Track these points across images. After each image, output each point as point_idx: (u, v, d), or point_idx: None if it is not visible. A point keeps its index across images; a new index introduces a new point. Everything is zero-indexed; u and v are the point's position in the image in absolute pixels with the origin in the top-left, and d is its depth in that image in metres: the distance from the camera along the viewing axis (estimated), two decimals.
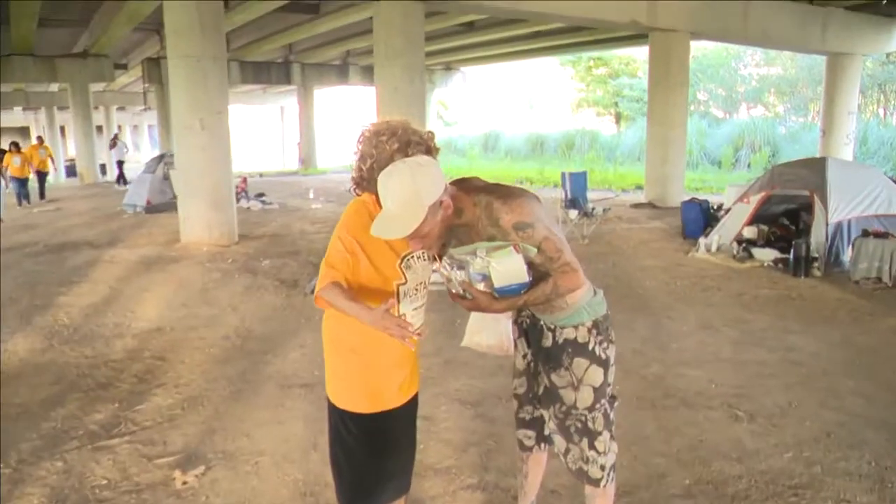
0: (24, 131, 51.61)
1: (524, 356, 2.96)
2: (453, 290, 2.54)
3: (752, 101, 35.34)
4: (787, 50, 22.47)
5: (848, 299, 7.64)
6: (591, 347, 2.74)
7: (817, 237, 8.85)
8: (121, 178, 23.52)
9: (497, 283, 2.46)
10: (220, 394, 5.17)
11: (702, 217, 11.21)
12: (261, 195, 17.41)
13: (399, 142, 2.43)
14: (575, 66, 41.05)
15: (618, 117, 39.92)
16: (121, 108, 47.20)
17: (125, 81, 33.65)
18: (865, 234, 8.39)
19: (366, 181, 2.47)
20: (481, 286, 2.47)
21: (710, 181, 21.25)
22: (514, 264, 2.44)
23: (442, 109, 43.91)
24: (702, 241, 10.19)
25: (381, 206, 2.43)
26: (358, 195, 2.59)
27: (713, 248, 9.95)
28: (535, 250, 2.47)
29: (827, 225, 8.78)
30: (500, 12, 15.18)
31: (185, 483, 3.87)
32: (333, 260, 2.50)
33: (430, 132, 2.54)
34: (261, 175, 27.03)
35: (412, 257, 2.61)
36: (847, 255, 8.67)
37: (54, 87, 31.96)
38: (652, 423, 4.53)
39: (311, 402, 4.84)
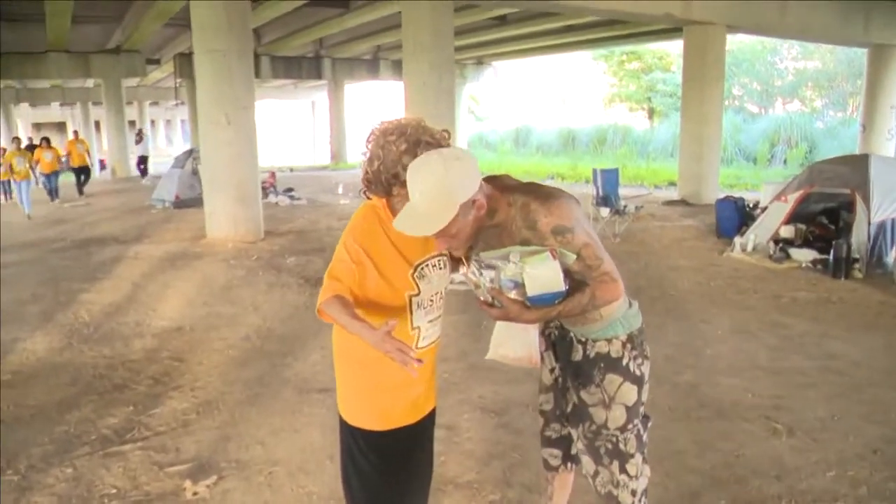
0: (60, 126, 52.33)
1: (551, 370, 2.79)
2: (481, 297, 2.33)
3: (787, 96, 34.65)
4: (827, 43, 21.93)
5: (891, 303, 7.31)
6: (625, 363, 2.55)
7: (859, 237, 8.52)
8: (145, 173, 23.86)
9: (530, 292, 2.26)
10: (237, 398, 5.04)
11: (737, 215, 10.88)
12: (289, 190, 17.33)
13: (408, 142, 2.22)
14: (608, 61, 40.50)
15: (651, 112, 39.37)
16: (154, 103, 47.56)
17: (158, 77, 33.80)
18: None
19: (373, 184, 2.27)
20: (513, 294, 2.27)
21: (745, 178, 20.81)
22: (550, 271, 2.23)
23: (473, 104, 43.58)
24: (737, 240, 9.88)
25: (391, 211, 2.26)
26: (368, 198, 2.41)
27: (749, 248, 9.65)
28: (574, 257, 2.27)
29: (869, 224, 8.45)
30: (533, 6, 14.93)
31: (195, 494, 3.73)
32: (337, 271, 2.31)
33: (444, 131, 2.32)
34: (291, 170, 27.07)
35: (426, 266, 2.42)
36: (890, 257, 8.33)
37: (89, 82, 32.18)
38: (685, 435, 4.31)
39: (329, 409, 4.66)
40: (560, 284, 2.25)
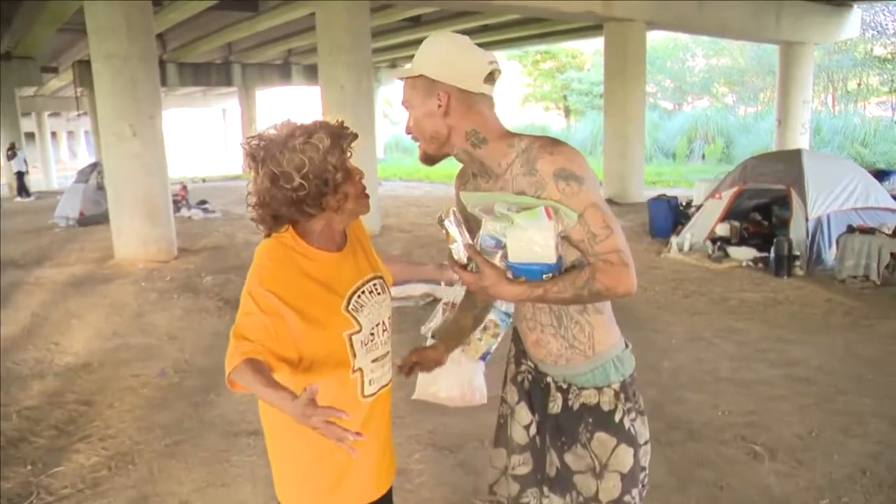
0: None
1: (527, 426, 2.17)
2: (455, 256, 1.85)
3: (700, 93, 35.25)
4: (742, 39, 22.24)
5: (838, 301, 7.16)
6: (618, 419, 2.00)
7: (797, 234, 8.39)
8: (22, 190, 22.10)
9: (511, 257, 1.77)
10: (155, 448, 4.40)
11: (671, 214, 10.70)
12: (203, 202, 16.47)
13: (330, 136, 1.86)
14: (522, 61, 40.55)
15: (567, 111, 39.63)
16: (54, 114, 45.42)
17: (57, 85, 32.26)
18: (851, 230, 7.94)
19: (292, 205, 1.85)
20: (496, 257, 1.80)
21: (666, 174, 20.96)
22: (540, 234, 1.73)
23: (388, 108, 43.12)
24: (673, 240, 9.68)
25: (305, 237, 1.93)
26: (267, 234, 1.94)
27: (685, 248, 9.45)
28: (575, 218, 1.77)
29: (807, 220, 8.32)
30: (454, 6, 14.53)
31: None
32: (244, 328, 1.80)
33: (340, 120, 1.95)
34: (203, 180, 26.07)
35: (361, 294, 1.96)
36: (830, 253, 8.21)
37: None
38: (660, 465, 3.88)
39: (261, 455, 4.08)
40: (551, 253, 1.74)
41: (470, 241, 1.82)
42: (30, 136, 35.25)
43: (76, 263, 10.29)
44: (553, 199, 1.78)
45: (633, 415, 2.04)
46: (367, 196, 1.97)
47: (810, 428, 4.31)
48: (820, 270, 8.22)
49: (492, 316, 2.23)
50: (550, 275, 1.77)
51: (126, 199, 10.09)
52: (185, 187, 17.01)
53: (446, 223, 1.84)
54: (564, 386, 2.03)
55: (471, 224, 1.91)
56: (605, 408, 2.00)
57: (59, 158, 48.24)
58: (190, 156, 40.39)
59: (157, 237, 10.22)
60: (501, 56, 39.74)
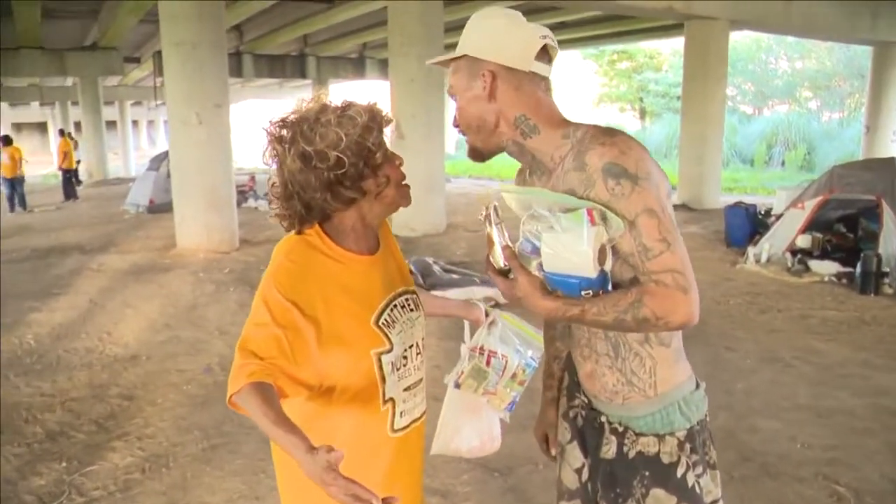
0: (41, 126, 51.22)
1: (578, 470, 1.86)
2: (491, 259, 1.56)
3: (782, 97, 34.04)
4: (832, 40, 21.17)
5: None
6: (679, 474, 1.66)
7: (887, 248, 7.79)
8: (70, 194, 19.28)
9: (547, 266, 1.45)
10: (191, 451, 4.22)
11: (748, 223, 10.11)
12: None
13: (368, 111, 1.61)
14: (598, 61, 39.78)
15: (642, 112, 38.75)
16: (136, 103, 46.49)
17: (139, 76, 32.82)
18: None
19: (326, 189, 1.59)
20: (533, 262, 1.50)
21: (743, 180, 20.20)
22: (580, 241, 1.39)
23: None
24: (750, 250, 9.13)
25: (336, 234, 1.68)
26: (297, 232, 1.66)
27: (763, 259, 8.91)
28: (622, 226, 1.44)
29: None
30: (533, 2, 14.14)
31: None
32: (254, 342, 1.50)
33: (373, 102, 1.70)
34: (270, 181, 26.20)
35: (393, 307, 1.68)
36: None
37: (69, 81, 31.17)
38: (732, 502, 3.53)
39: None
40: (589, 265, 1.41)
41: (508, 244, 1.53)
42: (111, 124, 36.09)
43: (139, 251, 10.33)
44: (601, 201, 1.45)
45: (699, 469, 1.69)
46: (407, 185, 1.70)
47: None
48: None
49: (517, 360, 1.92)
50: (590, 291, 1.44)
51: (189, 187, 10.07)
52: (253, 178, 17.05)
53: (487, 223, 1.57)
54: (620, 428, 1.71)
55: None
56: (666, 460, 1.66)
57: (139, 146, 49.43)
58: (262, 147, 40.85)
59: (219, 227, 10.17)
60: (577, 55, 39.21)
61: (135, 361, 5.79)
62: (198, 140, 9.84)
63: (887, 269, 7.66)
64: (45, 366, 5.71)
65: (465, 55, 1.65)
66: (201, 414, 4.75)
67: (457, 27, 13.08)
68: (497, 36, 1.63)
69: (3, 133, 18.68)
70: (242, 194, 14.71)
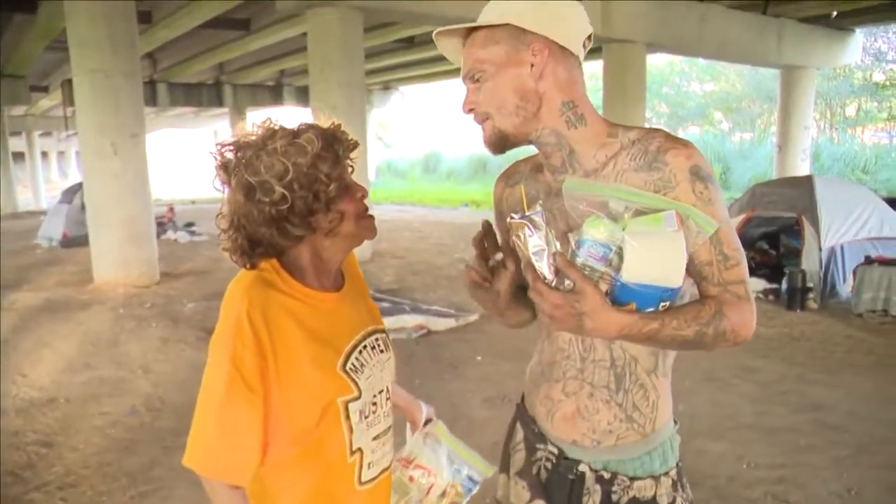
0: None
1: None
2: (537, 265, 1.25)
3: (696, 118, 35.08)
4: (743, 63, 21.88)
5: (859, 337, 6.74)
6: None
7: (810, 264, 7.98)
8: None
9: (629, 275, 1.23)
10: (119, 500, 3.94)
11: None
12: (190, 225, 16.04)
13: (322, 137, 1.42)
14: None
15: None
16: (46, 134, 45.04)
17: (48, 105, 31.81)
18: (869, 261, 7.54)
19: (274, 223, 1.41)
20: (599, 267, 1.24)
21: None
22: (668, 246, 1.23)
23: (381, 130, 42.85)
24: None
25: (295, 268, 1.50)
26: (248, 266, 1.48)
27: None
28: (712, 229, 1.30)
29: (820, 251, 7.91)
30: (445, 22, 14.15)
31: None
32: (231, 421, 1.37)
33: (336, 123, 1.51)
34: (192, 202, 25.67)
35: (361, 349, 1.52)
36: (846, 285, 7.81)
37: None
38: None
39: None
40: (679, 274, 1.25)
41: (561, 250, 1.26)
42: (19, 155, 34.89)
43: (54, 287, 9.85)
44: (686, 204, 1.31)
45: None
46: (370, 217, 1.53)
47: (848, 485, 3.86)
48: (835, 303, 7.81)
49: (450, 478, 1.77)
50: (667, 303, 1.29)
51: (106, 220, 9.64)
52: (172, 209, 16.63)
53: (529, 222, 1.26)
54: (607, 475, 1.54)
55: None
56: (663, 502, 1.55)
57: (49, 178, 47.81)
58: (180, 177, 40.06)
59: (139, 260, 9.76)
60: None
61: (53, 405, 5.43)
62: (113, 171, 9.45)
63: (811, 285, 7.83)
64: None
65: (507, 24, 1.42)
66: (128, 459, 4.45)
67: (376, 53, 13.10)
68: (552, 7, 1.43)
69: None
70: (161, 226, 14.27)
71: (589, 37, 1.48)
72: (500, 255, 1.45)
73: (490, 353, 6.26)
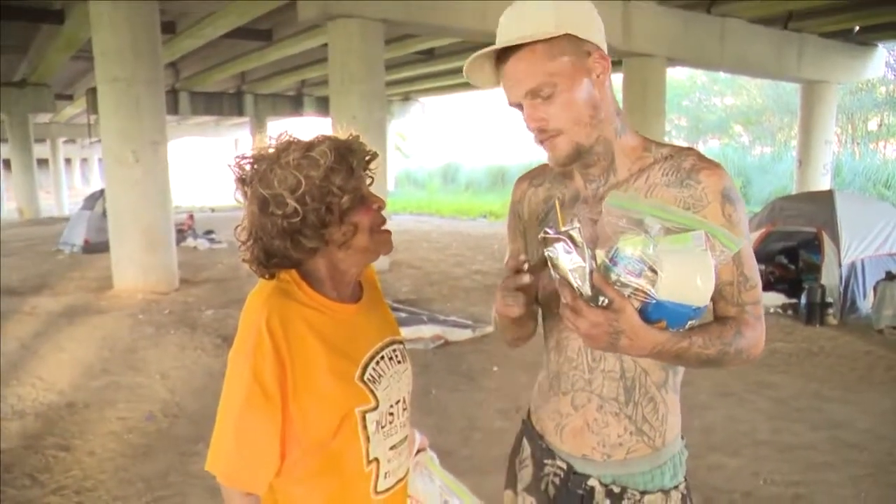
0: None
1: None
2: (575, 283, 1.23)
3: (715, 132, 34.93)
4: (763, 77, 21.80)
5: (879, 353, 6.66)
6: None
7: (829, 279, 7.92)
8: None
9: (664, 293, 1.21)
10: None
11: None
12: (209, 232, 16.16)
13: (335, 150, 1.42)
14: None
15: None
16: (70, 141, 45.50)
17: (72, 113, 32.19)
18: (890, 276, 7.45)
19: (287, 236, 1.42)
20: (633, 284, 1.22)
21: None
22: (698, 266, 1.21)
23: (400, 141, 42.96)
24: None
25: (313, 279, 1.51)
26: (266, 276, 1.50)
27: None
28: (736, 249, 1.27)
29: (840, 266, 7.85)
30: (465, 35, 14.20)
31: None
32: (251, 434, 1.41)
33: (353, 134, 1.52)
34: (212, 210, 25.84)
35: (379, 360, 1.53)
36: (866, 300, 7.74)
37: None
38: None
39: None
40: (708, 293, 1.23)
41: (599, 267, 1.24)
42: (43, 161, 35.23)
43: (74, 292, 9.94)
44: (716, 225, 1.29)
45: None
46: (386, 231, 1.54)
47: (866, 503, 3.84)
48: (854, 319, 7.74)
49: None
50: (694, 322, 1.30)
51: (126, 226, 9.74)
52: (191, 216, 16.74)
53: (567, 238, 1.22)
54: (617, 489, 1.54)
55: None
56: None
57: (73, 185, 48.39)
58: (201, 185, 40.34)
59: (158, 267, 9.85)
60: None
61: (71, 409, 5.48)
62: (134, 179, 9.55)
63: (831, 300, 7.77)
64: None
65: (566, 34, 1.37)
66: (144, 464, 4.48)
67: (396, 64, 13.15)
68: (593, 15, 1.41)
69: None
70: (181, 233, 14.37)
71: None
72: (522, 258, 1.40)
73: (507, 364, 6.26)
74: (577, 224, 1.23)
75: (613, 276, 1.22)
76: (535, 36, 1.37)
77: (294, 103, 29.95)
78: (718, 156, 26.51)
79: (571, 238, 1.21)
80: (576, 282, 1.22)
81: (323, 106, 27.24)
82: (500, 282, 1.38)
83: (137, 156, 9.46)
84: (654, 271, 1.21)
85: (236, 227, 1.50)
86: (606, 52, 1.45)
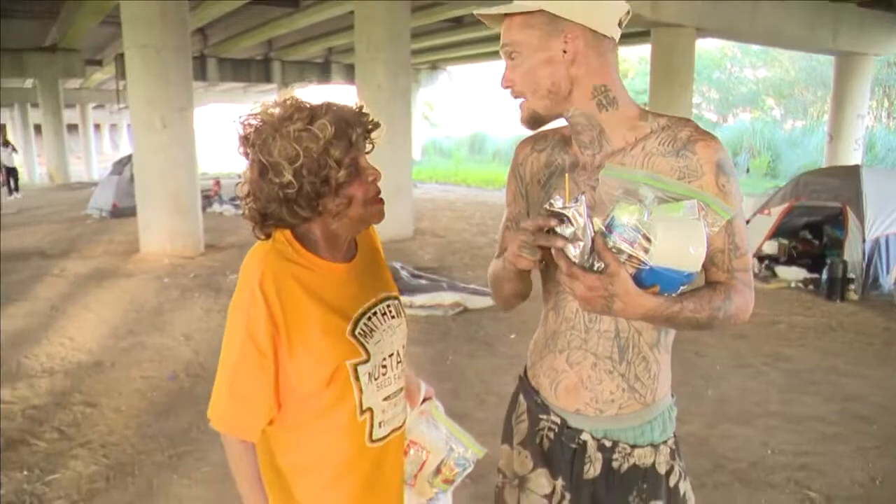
0: None
1: (547, 495, 1.69)
2: (574, 252, 1.29)
3: (746, 105, 34.47)
4: (796, 49, 21.31)
5: None
6: (673, 483, 1.63)
7: (852, 255, 7.88)
8: (10, 187, 19.93)
9: (657, 259, 1.28)
10: (156, 459, 4.11)
11: None
12: (235, 199, 16.26)
13: (334, 123, 1.47)
14: None
15: None
16: (99, 107, 45.87)
17: (101, 78, 32.37)
18: None
19: (283, 203, 1.49)
20: (627, 251, 1.28)
21: None
22: (691, 234, 1.28)
23: (427, 110, 42.90)
24: None
25: (306, 241, 1.58)
26: (261, 238, 1.58)
27: None
28: (728, 217, 1.35)
29: (863, 241, 7.80)
30: (491, 3, 14.14)
31: None
32: (244, 384, 1.51)
33: (359, 104, 1.59)
34: (240, 176, 25.96)
35: (372, 315, 1.61)
36: (890, 277, 7.70)
37: (28, 83, 30.69)
38: None
39: None
40: (699, 259, 1.30)
41: (598, 235, 1.29)
42: (73, 127, 35.59)
43: (102, 256, 10.15)
44: (710, 195, 1.36)
45: (684, 476, 1.67)
46: (379, 201, 1.59)
47: (873, 475, 3.87)
48: (876, 296, 7.69)
49: (445, 456, 1.82)
50: (686, 287, 1.37)
51: (153, 191, 9.92)
52: (218, 182, 16.90)
53: (570, 212, 1.27)
54: (608, 443, 1.61)
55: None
56: (661, 470, 1.62)
57: (102, 150, 48.82)
58: (228, 151, 40.52)
59: (184, 232, 10.02)
60: None
61: (98, 368, 5.65)
62: (161, 144, 9.69)
63: (853, 276, 7.74)
64: (4, 373, 5.52)
65: (541, 10, 1.47)
66: (167, 421, 4.63)
67: (424, 33, 13.14)
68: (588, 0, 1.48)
69: None
70: (208, 199, 14.53)
71: (627, 12, 1.53)
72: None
73: (524, 331, 6.32)
74: (581, 198, 1.29)
75: (609, 243, 1.29)
76: (511, 9, 1.50)
77: (322, 70, 29.90)
78: (748, 130, 26.24)
79: (573, 214, 1.27)
80: (574, 251, 1.29)
81: (351, 73, 27.16)
82: (518, 234, 1.40)
83: (165, 121, 9.59)
84: (648, 239, 1.27)
85: (237, 184, 1.57)
86: (613, 30, 1.51)
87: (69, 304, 7.56)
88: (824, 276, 7.85)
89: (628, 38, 19.68)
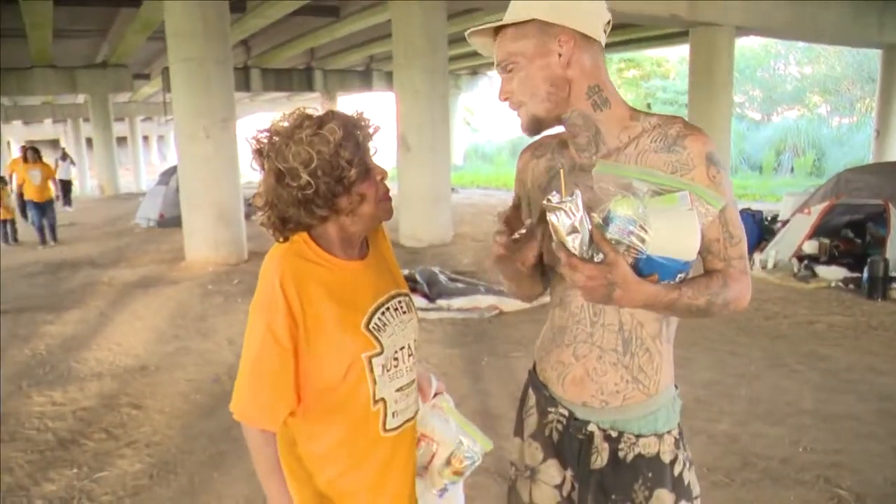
0: (54, 143, 51.63)
1: (558, 486, 1.78)
2: (572, 244, 1.36)
3: (791, 102, 33.91)
4: (840, 45, 20.93)
5: None
6: (677, 472, 1.69)
7: (894, 253, 7.78)
8: (66, 202, 20.39)
9: (653, 249, 1.36)
10: (199, 457, 4.27)
11: (756, 229, 10.08)
12: None
13: (343, 127, 1.60)
14: None
15: None
16: (147, 119, 46.85)
17: (149, 92, 33.12)
18: None
19: (301, 205, 1.61)
20: (625, 242, 1.36)
21: (752, 188, 20.10)
22: (684, 224, 1.36)
23: (468, 115, 42.96)
24: (757, 256, 9.12)
25: (323, 241, 1.70)
26: (281, 240, 1.70)
27: (770, 265, 8.91)
28: (719, 209, 1.43)
29: None
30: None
31: None
32: (270, 375, 1.62)
33: (359, 111, 1.70)
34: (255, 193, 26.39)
35: (384, 310, 1.72)
36: None
37: (80, 98, 31.50)
38: None
39: None
40: (694, 248, 1.39)
41: (596, 227, 1.37)
42: (122, 139, 36.41)
43: (149, 264, 10.45)
44: (701, 186, 1.46)
45: (689, 465, 1.73)
46: (388, 199, 1.72)
47: None
48: None
49: (454, 449, 1.90)
50: (683, 275, 1.44)
51: (198, 201, 10.18)
52: None
53: (567, 206, 1.34)
54: (614, 434, 1.68)
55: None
56: (666, 459, 1.68)
57: (150, 161, 49.78)
58: None
59: (228, 240, 10.26)
60: None
61: (144, 371, 5.86)
62: (205, 155, 9.95)
63: (895, 275, 7.64)
64: (56, 376, 5.78)
65: (533, 20, 1.56)
66: (209, 422, 4.80)
67: (460, 39, 13.09)
68: (577, 4, 1.58)
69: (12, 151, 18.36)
70: (251, 207, 14.77)
71: (608, 22, 1.62)
72: (528, 223, 1.61)
73: None
74: (577, 192, 1.37)
75: (608, 235, 1.37)
76: (504, 21, 1.58)
77: (363, 78, 30.20)
78: (791, 128, 25.81)
79: (570, 208, 1.35)
80: (573, 243, 1.37)
81: (391, 81, 27.39)
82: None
83: (208, 132, 9.85)
84: (644, 229, 1.35)
85: (253, 195, 1.69)
86: (600, 34, 1.60)
87: (117, 311, 7.82)
88: (865, 274, 7.76)
89: (667, 38, 19.57)
